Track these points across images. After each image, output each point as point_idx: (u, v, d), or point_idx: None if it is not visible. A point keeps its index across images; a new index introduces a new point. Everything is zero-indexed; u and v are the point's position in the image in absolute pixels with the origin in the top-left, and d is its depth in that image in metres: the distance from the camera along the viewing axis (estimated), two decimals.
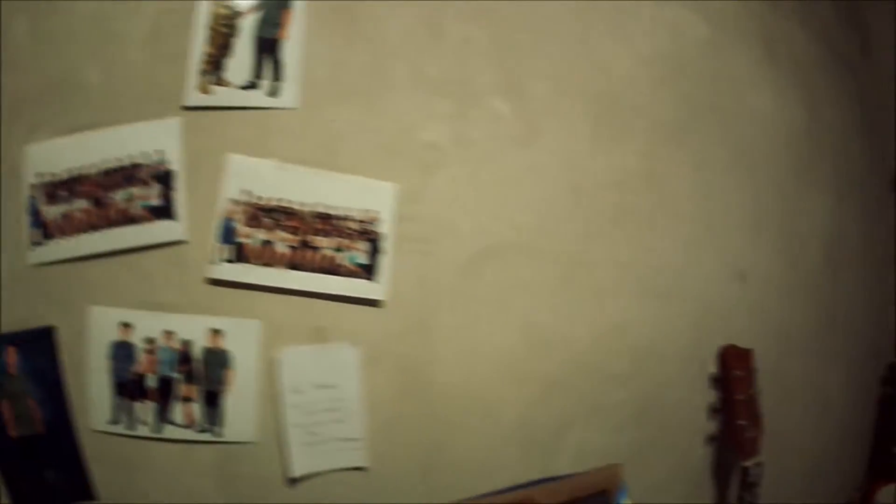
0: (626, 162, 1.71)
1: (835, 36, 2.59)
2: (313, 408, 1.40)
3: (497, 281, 1.50)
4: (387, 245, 1.38)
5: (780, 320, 2.15)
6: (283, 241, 1.40)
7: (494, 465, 1.53)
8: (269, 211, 1.40)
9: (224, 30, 1.40)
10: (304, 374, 1.41)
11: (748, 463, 1.88)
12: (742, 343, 1.91)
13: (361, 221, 1.42)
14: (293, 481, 1.37)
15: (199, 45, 1.37)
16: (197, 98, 1.37)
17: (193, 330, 1.38)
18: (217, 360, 1.39)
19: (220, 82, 1.39)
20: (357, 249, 1.41)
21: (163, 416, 1.37)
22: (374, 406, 1.37)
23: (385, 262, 1.37)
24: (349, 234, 1.42)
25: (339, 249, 1.41)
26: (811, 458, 2.52)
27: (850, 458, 2.94)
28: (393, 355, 1.39)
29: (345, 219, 1.41)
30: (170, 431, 1.37)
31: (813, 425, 2.47)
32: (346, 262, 1.41)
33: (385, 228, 1.39)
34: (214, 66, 1.39)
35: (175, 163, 1.35)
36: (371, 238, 1.39)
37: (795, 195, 2.20)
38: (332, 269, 1.40)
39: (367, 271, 1.41)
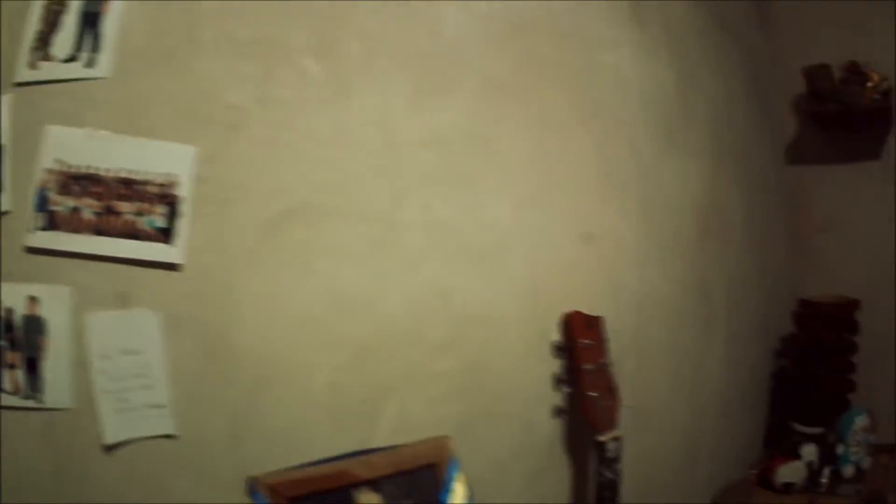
0: (448, 120, 1.64)
1: (723, 5, 2.52)
2: (121, 374, 1.37)
3: (300, 243, 1.43)
4: (185, 208, 1.36)
5: (642, 288, 2.04)
6: (89, 208, 1.38)
7: (306, 435, 1.46)
8: (78, 178, 1.38)
9: (56, 6, 1.41)
10: (110, 340, 1.37)
11: (604, 437, 1.76)
12: (594, 310, 1.84)
13: (161, 185, 1.39)
14: (108, 448, 1.32)
15: (33, 24, 1.39)
16: (25, 74, 1.37)
17: (14, 298, 1.36)
18: (34, 327, 1.37)
19: (47, 57, 1.39)
20: (156, 213, 1.39)
21: None
22: (179, 372, 1.33)
23: (184, 226, 1.36)
24: (149, 199, 1.39)
25: (139, 214, 1.39)
26: (691, 433, 2.40)
27: (745, 434, 2.83)
28: (194, 320, 1.35)
29: (145, 183, 1.39)
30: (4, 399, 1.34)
31: (690, 399, 2.35)
32: (146, 227, 1.39)
33: (184, 192, 1.37)
34: (44, 42, 1.40)
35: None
36: (170, 202, 1.38)
37: (660, 158, 2.09)
38: (133, 234, 1.38)
39: (166, 235, 1.38)
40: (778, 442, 2.89)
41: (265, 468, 1.38)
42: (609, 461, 1.82)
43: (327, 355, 1.46)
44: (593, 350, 1.82)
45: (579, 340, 1.79)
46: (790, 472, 2.64)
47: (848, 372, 2.86)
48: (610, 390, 1.83)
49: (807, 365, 2.88)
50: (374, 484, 1.51)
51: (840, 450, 2.75)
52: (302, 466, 1.44)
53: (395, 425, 1.58)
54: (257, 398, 1.38)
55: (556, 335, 1.83)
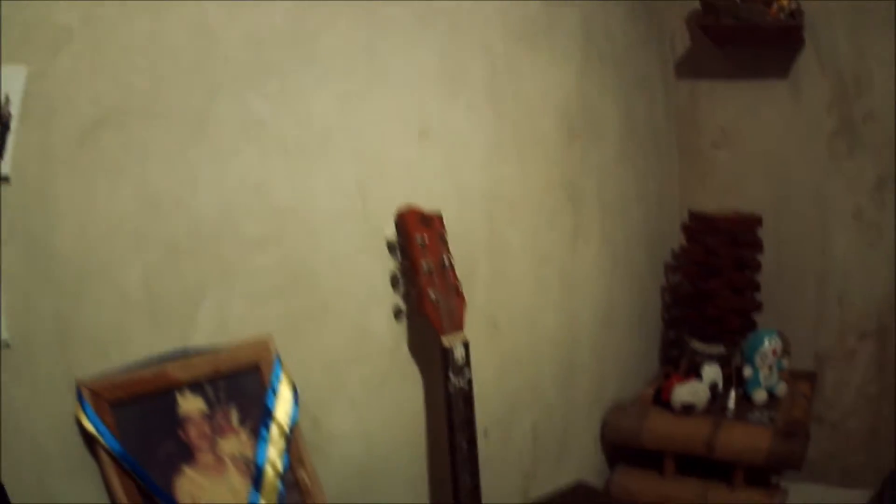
0: (268, 21, 1.55)
1: None
2: None
3: (114, 147, 1.38)
4: (14, 124, 1.30)
5: (494, 189, 1.97)
6: None
7: (126, 337, 1.39)
8: None
9: None
10: None
11: (449, 341, 1.68)
12: (435, 208, 1.75)
13: None
14: None
15: None
16: None
17: None
18: None
19: None
20: None
21: None
22: (7, 281, 1.26)
23: (10, 140, 1.29)
24: None
25: None
26: (567, 342, 2.39)
27: (637, 350, 2.75)
28: (19, 229, 1.29)
29: None
30: None
31: (560, 305, 2.28)
32: None
33: (14, 109, 1.31)
34: None
35: None
36: (2, 121, 1.31)
37: (518, 59, 2.03)
38: None
39: None
40: (676, 361, 2.80)
41: (92, 371, 1.34)
42: (457, 367, 1.71)
43: (141, 255, 1.41)
44: (431, 248, 1.71)
45: (414, 237, 1.69)
46: (689, 392, 2.53)
47: (749, 289, 2.76)
48: (452, 290, 1.73)
49: (701, 280, 2.78)
50: (194, 387, 1.45)
51: (748, 372, 2.66)
52: (125, 369, 1.39)
53: (215, 324, 1.50)
54: (79, 301, 1.33)
55: (391, 233, 1.72)
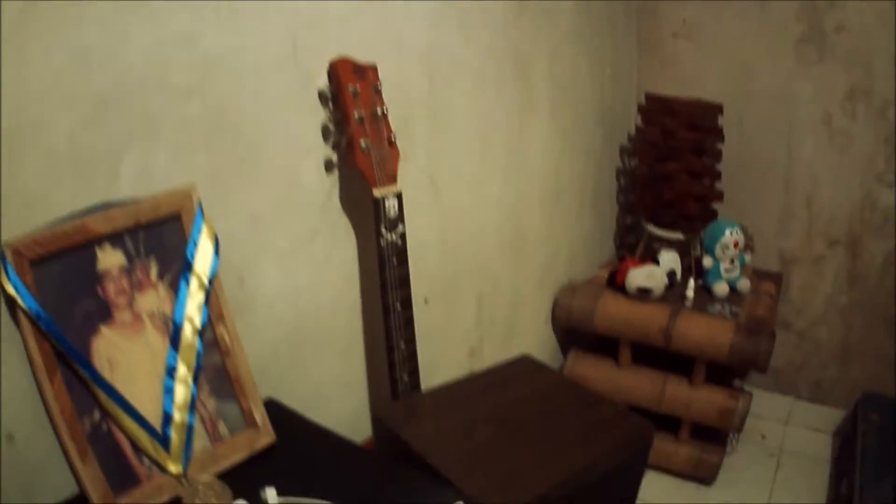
0: None
1: None
2: None
3: (50, 14, 1.31)
4: None
5: (435, 50, 1.89)
6: None
7: (52, 196, 1.33)
8: None
9: None
10: None
11: (381, 192, 1.62)
12: (370, 58, 1.68)
13: None
14: None
15: None
16: None
17: None
18: None
19: None
20: None
21: None
22: None
23: None
24: None
25: None
26: (515, 215, 2.34)
27: (591, 230, 2.69)
28: None
29: None
30: None
31: (507, 176, 2.26)
32: None
33: None
34: None
35: None
36: None
37: None
38: None
39: None
40: (633, 247, 2.74)
41: (25, 229, 1.29)
42: (389, 221, 1.66)
43: (69, 112, 1.35)
44: (363, 98, 1.64)
45: (346, 86, 1.62)
46: (645, 276, 2.47)
47: (709, 177, 2.70)
48: (385, 141, 1.66)
49: (657, 162, 2.72)
50: (114, 239, 1.39)
51: (707, 262, 2.60)
52: (48, 226, 1.33)
53: (139, 177, 1.44)
54: (9, 163, 1.27)
55: (323, 83, 1.65)
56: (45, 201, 1.31)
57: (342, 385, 1.92)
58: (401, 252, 1.68)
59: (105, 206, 1.38)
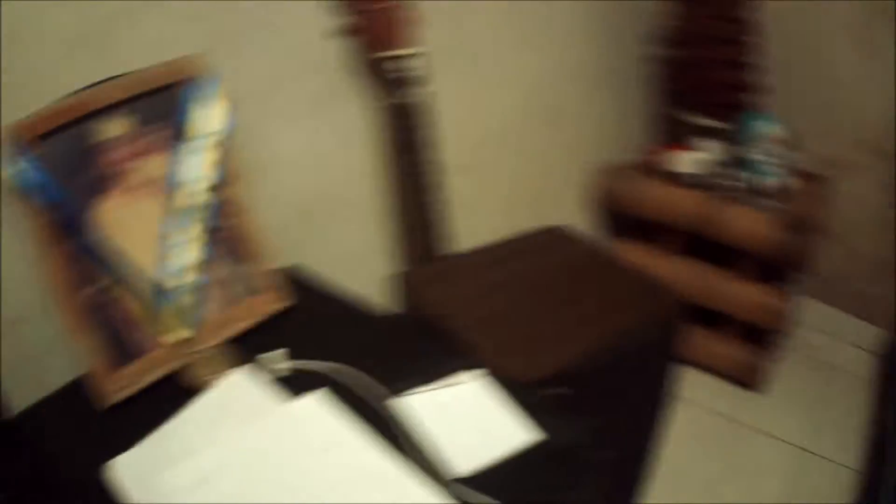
0: None
1: None
2: None
3: None
4: None
5: None
6: None
7: (55, 74, 1.32)
8: None
9: None
10: None
11: (386, 53, 1.56)
12: None
13: None
14: None
15: None
16: None
17: None
18: None
19: None
20: None
21: None
22: None
23: None
24: None
25: None
26: (535, 88, 2.21)
27: (619, 109, 2.57)
28: None
29: None
30: None
31: (524, 41, 2.12)
32: None
33: None
34: None
35: None
36: None
37: None
38: None
39: None
40: (673, 135, 2.63)
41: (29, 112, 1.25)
42: (399, 81, 1.58)
43: None
44: None
45: None
46: (691, 161, 2.38)
47: (745, 67, 2.56)
48: (389, 3, 1.57)
49: (689, 50, 2.58)
50: (117, 109, 1.34)
51: (749, 155, 2.48)
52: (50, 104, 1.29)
53: (143, 48, 1.40)
54: (11, 45, 1.25)
55: None
56: (51, 82, 1.29)
57: (368, 252, 1.87)
58: (414, 115, 1.60)
59: (107, 79, 1.34)
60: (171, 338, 1.35)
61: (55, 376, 1.38)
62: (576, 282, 1.74)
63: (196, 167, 1.37)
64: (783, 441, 2.37)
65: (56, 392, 1.37)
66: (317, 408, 1.19)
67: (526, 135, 2.21)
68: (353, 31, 1.56)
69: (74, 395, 1.34)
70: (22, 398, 1.34)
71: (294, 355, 1.31)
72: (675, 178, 2.41)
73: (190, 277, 1.35)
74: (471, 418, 1.15)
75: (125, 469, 1.15)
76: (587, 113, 2.49)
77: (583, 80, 2.44)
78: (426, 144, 1.59)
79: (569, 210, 2.51)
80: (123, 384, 1.30)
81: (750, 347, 2.49)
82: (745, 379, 2.50)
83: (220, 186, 1.39)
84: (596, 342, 1.55)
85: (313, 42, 1.61)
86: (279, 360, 1.29)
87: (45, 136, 1.26)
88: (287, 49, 1.58)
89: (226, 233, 1.42)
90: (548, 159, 2.33)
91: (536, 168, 2.29)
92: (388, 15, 1.54)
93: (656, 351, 1.74)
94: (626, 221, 2.60)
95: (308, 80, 1.63)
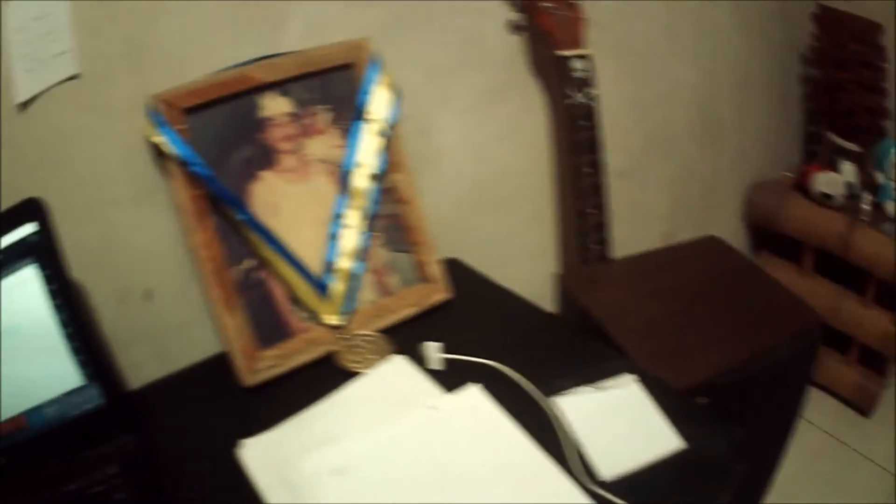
0: None
1: None
2: (31, 38, 1.20)
3: None
4: None
5: None
6: None
7: (207, 51, 1.30)
8: None
9: None
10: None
11: (564, 52, 1.54)
12: None
13: None
14: (22, 106, 1.19)
15: None
16: None
17: None
18: None
19: None
20: None
21: None
22: (78, 16, 1.19)
23: None
24: None
25: None
26: (708, 104, 2.25)
27: (776, 130, 2.63)
28: None
29: None
30: None
31: (696, 63, 2.15)
32: None
33: None
34: None
35: None
36: None
37: None
38: None
39: None
40: (815, 155, 2.58)
41: (167, 85, 1.26)
42: (577, 82, 1.56)
43: None
44: None
45: None
46: (827, 181, 2.34)
47: (877, 91, 2.52)
48: (568, 4, 1.56)
49: (832, 71, 2.56)
50: (280, 87, 1.35)
51: (879, 179, 2.42)
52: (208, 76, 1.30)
53: (305, 29, 1.39)
54: (155, 21, 1.24)
55: None
56: (199, 59, 1.29)
57: (528, 249, 1.87)
58: (590, 115, 1.58)
59: (267, 58, 1.34)
60: (323, 322, 1.32)
61: (184, 351, 1.39)
62: (728, 293, 1.75)
63: (363, 152, 1.35)
64: (884, 469, 2.29)
65: (190, 367, 1.39)
66: (476, 401, 1.19)
67: (683, 145, 2.19)
68: (537, 28, 1.55)
69: (210, 371, 1.35)
70: (148, 371, 1.35)
71: (448, 349, 1.29)
72: (814, 197, 2.36)
73: (349, 263, 1.35)
74: (619, 423, 1.14)
75: (259, 450, 1.15)
76: (745, 127, 2.46)
77: (742, 95, 2.41)
78: (598, 146, 1.56)
79: (720, 222, 2.48)
80: (267, 365, 1.29)
81: (868, 372, 2.43)
82: (860, 402, 2.45)
83: (384, 174, 1.37)
84: (742, 355, 1.56)
85: (487, 35, 1.61)
86: (436, 351, 1.26)
87: (203, 107, 1.26)
88: (460, 40, 1.58)
89: (388, 221, 1.41)
90: (703, 170, 2.31)
91: (692, 178, 2.27)
92: (572, 14, 1.53)
93: (795, 367, 1.74)
94: (768, 236, 2.59)
95: (479, 73, 1.63)
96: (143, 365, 1.37)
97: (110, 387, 1.17)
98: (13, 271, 1.10)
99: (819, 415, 2.44)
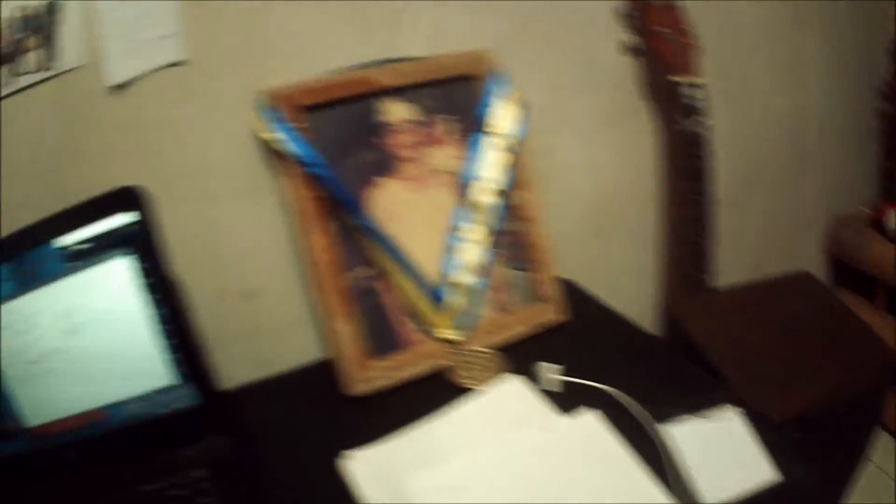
0: None
1: None
2: (129, 19, 1.19)
3: None
4: None
5: None
6: None
7: (327, 45, 1.29)
8: None
9: None
10: None
11: (678, 78, 1.52)
12: None
13: None
14: (117, 89, 1.18)
15: None
16: None
17: None
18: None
19: None
20: None
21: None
22: None
23: None
24: None
25: None
26: (796, 128, 2.23)
27: (855, 163, 2.57)
28: None
29: None
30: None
31: (790, 93, 2.14)
32: None
33: None
34: None
35: None
36: None
37: None
38: None
39: None
40: (892, 191, 2.57)
41: (282, 80, 1.25)
42: (688, 108, 1.54)
43: None
44: None
45: None
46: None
47: None
48: (681, 30, 1.55)
49: None
50: (401, 92, 1.34)
51: None
52: (323, 75, 1.30)
53: (425, 35, 1.39)
54: (268, 12, 1.24)
55: None
56: (314, 57, 1.28)
57: (630, 272, 1.86)
58: (698, 143, 1.57)
59: (389, 61, 1.33)
60: (437, 335, 1.32)
61: (279, 355, 1.38)
62: (819, 329, 1.75)
63: (488, 166, 1.34)
64: None
65: (286, 372, 1.37)
66: (592, 426, 1.17)
67: (774, 177, 2.18)
68: (652, 52, 1.54)
69: (309, 378, 1.34)
70: (238, 372, 1.33)
71: (565, 371, 1.28)
72: (889, 235, 2.35)
73: (470, 278, 1.33)
74: (722, 452, 1.13)
75: (367, 463, 1.12)
76: (828, 162, 2.43)
77: (831, 128, 2.39)
78: (706, 174, 1.54)
79: (804, 254, 2.47)
80: (377, 375, 1.28)
81: None
82: None
83: (509, 190, 1.36)
84: (828, 391, 1.56)
85: (605, 56, 1.61)
86: (553, 372, 1.26)
87: (321, 107, 1.25)
88: (579, 60, 1.57)
89: (510, 238, 1.40)
90: (790, 203, 2.31)
91: (780, 210, 2.27)
92: (683, 39, 1.52)
93: (870, 405, 1.75)
94: (847, 270, 2.55)
95: (597, 93, 1.62)
96: (233, 365, 1.34)
97: (205, 387, 1.14)
98: (101, 261, 1.06)
99: (885, 458, 2.42)
